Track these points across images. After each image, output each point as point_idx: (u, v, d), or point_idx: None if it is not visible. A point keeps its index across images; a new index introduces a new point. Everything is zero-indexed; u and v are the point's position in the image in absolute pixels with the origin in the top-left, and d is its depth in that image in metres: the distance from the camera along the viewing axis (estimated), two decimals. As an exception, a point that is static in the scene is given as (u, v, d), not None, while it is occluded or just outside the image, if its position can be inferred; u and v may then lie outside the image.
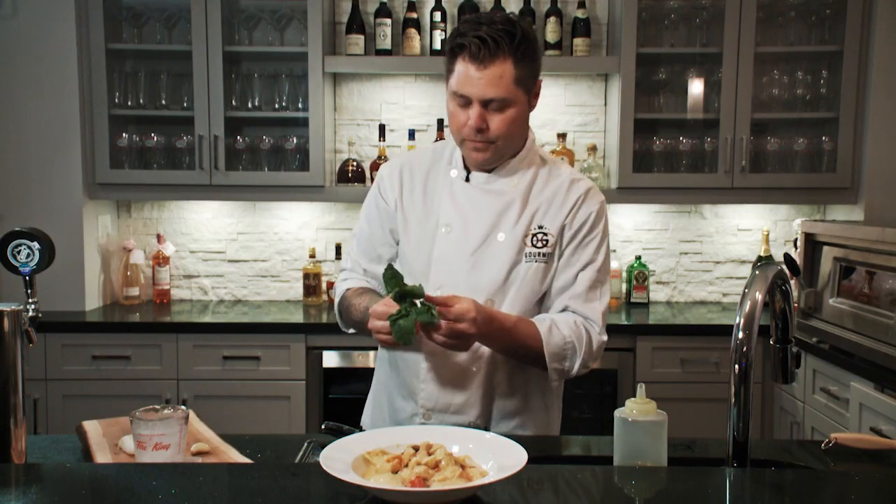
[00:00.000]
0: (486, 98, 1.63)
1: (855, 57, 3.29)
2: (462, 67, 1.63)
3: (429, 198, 1.79)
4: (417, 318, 1.53)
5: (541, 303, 1.77)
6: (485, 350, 1.72)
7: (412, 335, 1.53)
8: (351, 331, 1.88)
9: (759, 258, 3.62)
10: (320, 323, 3.25)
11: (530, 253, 1.72)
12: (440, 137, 3.53)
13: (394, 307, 1.55)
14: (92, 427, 1.62)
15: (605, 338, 1.74)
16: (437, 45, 3.45)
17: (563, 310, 1.74)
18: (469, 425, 1.72)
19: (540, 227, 1.73)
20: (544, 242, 1.73)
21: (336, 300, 1.89)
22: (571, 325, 1.69)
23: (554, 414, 1.86)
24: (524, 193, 1.75)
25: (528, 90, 1.69)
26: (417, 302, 1.55)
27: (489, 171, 1.76)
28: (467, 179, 1.77)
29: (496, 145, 1.68)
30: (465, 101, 1.65)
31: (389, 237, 1.84)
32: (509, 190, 1.75)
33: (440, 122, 3.57)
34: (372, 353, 3.09)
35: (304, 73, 3.43)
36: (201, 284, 3.78)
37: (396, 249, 1.83)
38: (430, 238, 1.75)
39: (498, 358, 1.73)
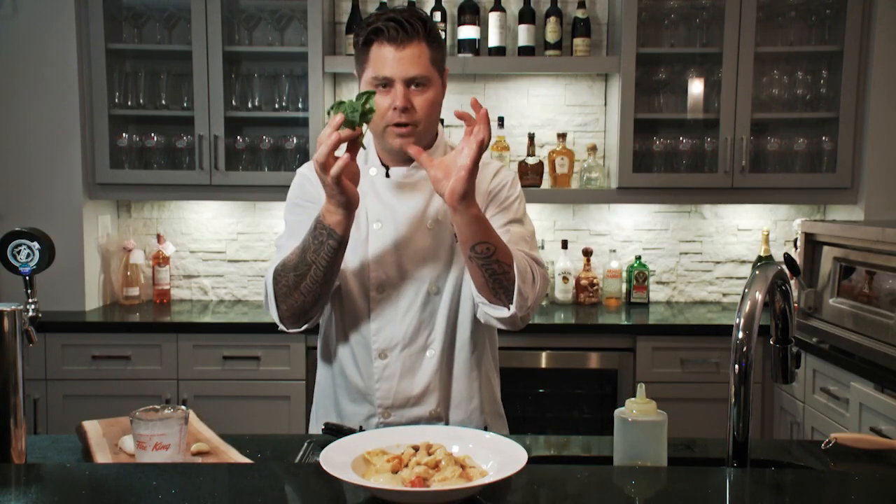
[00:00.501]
0: (409, 76, 1.64)
1: (855, 57, 3.29)
2: (379, 52, 1.64)
3: None
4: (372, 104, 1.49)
5: None
6: (438, 332, 1.73)
7: (359, 112, 1.48)
8: (295, 329, 1.75)
9: (759, 258, 3.62)
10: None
11: None
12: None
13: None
14: (92, 427, 1.62)
15: (547, 279, 1.76)
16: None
17: None
18: (430, 415, 1.73)
19: None
20: None
21: (268, 281, 1.68)
22: (523, 255, 1.68)
23: (498, 395, 1.88)
24: None
25: (441, 74, 1.72)
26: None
27: (406, 165, 1.76)
28: (387, 175, 1.77)
29: (418, 130, 1.68)
30: (387, 84, 1.65)
31: None
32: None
33: (441, 121, 3.55)
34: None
35: (304, 73, 3.43)
36: (201, 284, 3.78)
37: None
38: (362, 236, 1.74)
39: (450, 335, 1.74)
